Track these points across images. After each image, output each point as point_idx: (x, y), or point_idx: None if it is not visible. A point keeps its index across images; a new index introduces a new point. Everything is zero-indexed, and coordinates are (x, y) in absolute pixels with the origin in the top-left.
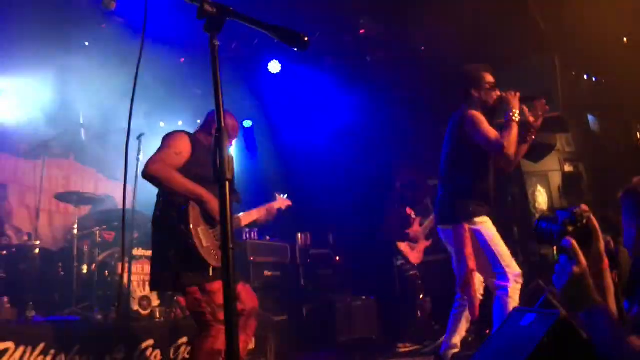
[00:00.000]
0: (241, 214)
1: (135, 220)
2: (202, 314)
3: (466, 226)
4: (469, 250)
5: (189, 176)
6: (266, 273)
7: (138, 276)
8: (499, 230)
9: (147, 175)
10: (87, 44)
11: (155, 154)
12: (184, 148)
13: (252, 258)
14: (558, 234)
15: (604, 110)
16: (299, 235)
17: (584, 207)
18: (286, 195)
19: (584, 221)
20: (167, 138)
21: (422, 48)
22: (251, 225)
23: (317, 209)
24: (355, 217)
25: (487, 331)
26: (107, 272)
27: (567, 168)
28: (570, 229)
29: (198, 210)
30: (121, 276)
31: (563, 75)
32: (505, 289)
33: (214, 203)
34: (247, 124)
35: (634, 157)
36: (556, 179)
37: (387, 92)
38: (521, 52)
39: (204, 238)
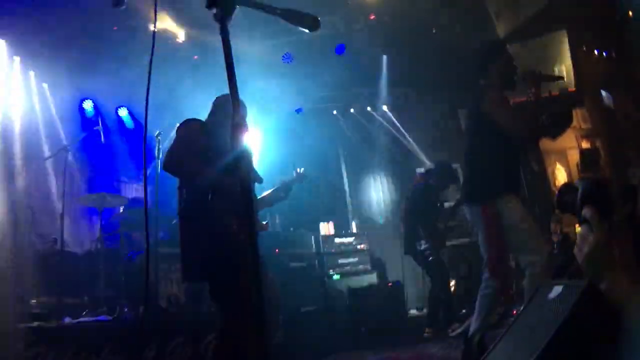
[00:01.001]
0: (262, 195)
1: (160, 219)
2: None
3: (495, 205)
4: (497, 229)
5: (205, 164)
6: (292, 265)
7: (165, 274)
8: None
9: (168, 167)
10: None
11: (173, 145)
12: (196, 136)
13: (277, 250)
14: (579, 203)
15: (616, 85)
16: (322, 224)
17: (604, 176)
18: (302, 169)
19: (605, 191)
20: (181, 128)
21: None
22: (268, 205)
23: (339, 196)
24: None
25: (514, 312)
26: (134, 271)
27: (585, 144)
28: (590, 198)
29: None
30: (148, 274)
31: (574, 51)
32: (536, 266)
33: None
34: None
35: None
36: (574, 156)
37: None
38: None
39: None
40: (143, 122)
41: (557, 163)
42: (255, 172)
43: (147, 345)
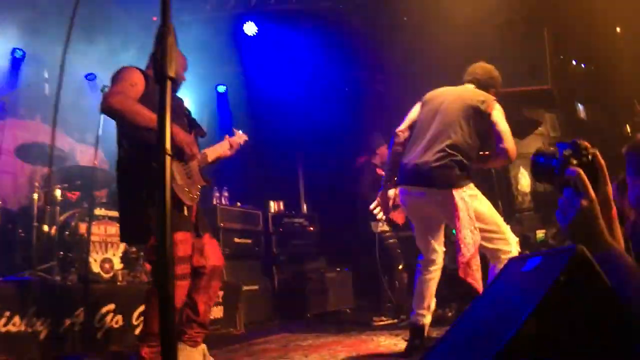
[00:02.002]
0: (207, 149)
1: (100, 180)
2: None
3: (466, 192)
4: (464, 214)
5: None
6: (236, 240)
7: (100, 237)
8: None
9: (108, 108)
10: None
11: (112, 87)
12: (139, 80)
13: (222, 224)
14: (559, 166)
15: (593, 98)
16: (272, 202)
17: (586, 143)
18: (242, 132)
19: (589, 157)
20: (120, 72)
21: (405, 18)
22: (215, 162)
23: (292, 176)
24: (331, 184)
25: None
26: (68, 232)
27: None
28: (574, 162)
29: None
30: (82, 237)
31: (552, 55)
32: (506, 255)
33: (182, 135)
34: (221, 89)
35: (620, 148)
36: None
37: (365, 56)
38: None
39: (177, 175)
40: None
41: (521, 167)
42: (199, 125)
43: (75, 310)
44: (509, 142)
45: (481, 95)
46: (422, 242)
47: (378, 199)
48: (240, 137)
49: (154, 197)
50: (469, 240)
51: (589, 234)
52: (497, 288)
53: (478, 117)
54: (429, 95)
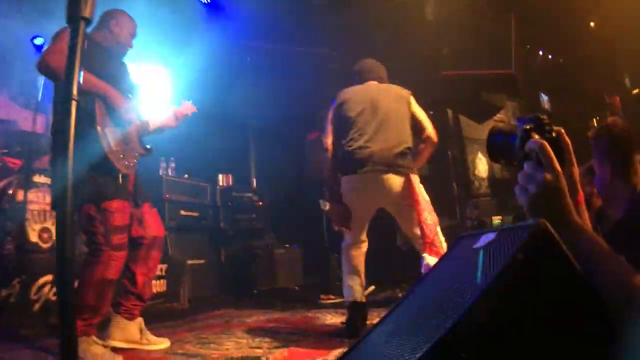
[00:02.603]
0: (150, 117)
1: (43, 146)
2: (94, 235)
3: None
4: (422, 198)
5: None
6: (182, 213)
7: (39, 206)
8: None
9: (45, 66)
10: None
11: (51, 45)
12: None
13: (167, 196)
14: (519, 142)
15: (559, 90)
16: (221, 176)
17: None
18: (191, 101)
19: (553, 134)
20: (60, 32)
21: None
22: (157, 131)
23: (243, 150)
24: (282, 160)
25: None
26: (5, 200)
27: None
28: (536, 137)
29: (104, 109)
30: (20, 205)
31: (517, 43)
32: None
33: (120, 99)
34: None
35: (586, 143)
36: None
37: (322, 32)
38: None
39: (112, 141)
40: None
41: (479, 153)
42: (141, 92)
43: (11, 281)
44: (430, 127)
45: (403, 89)
46: (360, 226)
47: (337, 214)
48: (187, 107)
49: (85, 161)
50: (430, 221)
51: (553, 211)
52: (445, 266)
53: (408, 110)
54: (348, 94)
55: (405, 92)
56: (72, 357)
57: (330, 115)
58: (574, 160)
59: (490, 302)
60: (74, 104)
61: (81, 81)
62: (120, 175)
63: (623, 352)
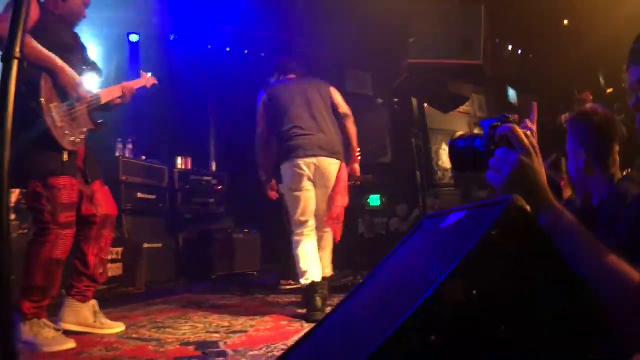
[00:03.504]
0: (101, 91)
1: None
2: (40, 213)
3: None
4: (344, 183)
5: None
6: (139, 195)
7: None
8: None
9: None
10: None
11: (2, 14)
12: (32, 10)
13: (124, 177)
14: (485, 142)
15: (527, 85)
16: (179, 158)
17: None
18: (150, 74)
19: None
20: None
21: None
22: (108, 106)
23: (202, 133)
24: (242, 143)
25: None
26: None
27: (475, 131)
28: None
29: (51, 82)
30: None
31: (487, 35)
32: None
33: (68, 74)
34: (133, 38)
35: (554, 138)
36: None
37: (290, 18)
38: None
39: (57, 116)
40: None
41: (443, 143)
42: (95, 64)
43: None
44: (343, 104)
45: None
46: (308, 208)
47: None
48: (146, 79)
49: (33, 138)
50: (339, 202)
51: (529, 190)
52: (409, 247)
53: (330, 98)
54: (271, 88)
55: (324, 83)
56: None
57: (261, 108)
58: (541, 160)
59: (461, 281)
60: (15, 62)
61: (27, 51)
62: (65, 152)
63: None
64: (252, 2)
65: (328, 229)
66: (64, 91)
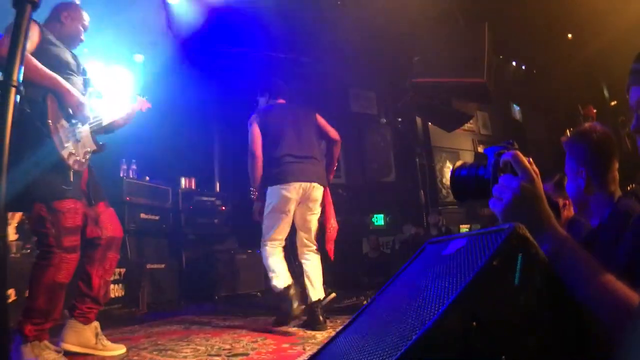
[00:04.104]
0: (103, 113)
1: None
2: (44, 237)
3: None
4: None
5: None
6: (143, 216)
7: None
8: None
9: None
10: None
11: (4, 38)
12: (34, 33)
13: (128, 198)
14: (492, 170)
15: (531, 102)
16: (183, 179)
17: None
18: (146, 98)
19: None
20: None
21: (339, 2)
22: (109, 128)
23: (207, 154)
24: (246, 164)
25: None
26: None
27: (480, 149)
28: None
29: (56, 103)
30: None
31: (490, 52)
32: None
33: (74, 95)
34: (138, 58)
35: (558, 153)
36: (467, 159)
37: (294, 36)
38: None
39: (63, 137)
40: None
41: (448, 161)
42: (94, 85)
43: None
44: (333, 130)
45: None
46: (285, 230)
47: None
48: (141, 103)
49: (35, 158)
50: (333, 225)
51: (531, 218)
52: (412, 272)
53: (317, 124)
54: (264, 111)
55: (311, 109)
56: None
57: (256, 130)
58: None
59: (463, 312)
60: (13, 90)
61: (32, 72)
62: (71, 172)
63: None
64: (253, 21)
65: (310, 253)
66: (69, 112)
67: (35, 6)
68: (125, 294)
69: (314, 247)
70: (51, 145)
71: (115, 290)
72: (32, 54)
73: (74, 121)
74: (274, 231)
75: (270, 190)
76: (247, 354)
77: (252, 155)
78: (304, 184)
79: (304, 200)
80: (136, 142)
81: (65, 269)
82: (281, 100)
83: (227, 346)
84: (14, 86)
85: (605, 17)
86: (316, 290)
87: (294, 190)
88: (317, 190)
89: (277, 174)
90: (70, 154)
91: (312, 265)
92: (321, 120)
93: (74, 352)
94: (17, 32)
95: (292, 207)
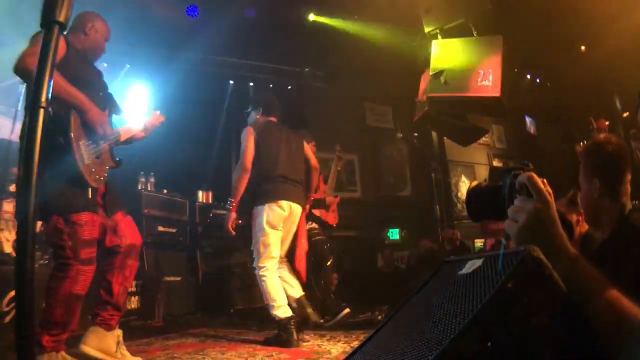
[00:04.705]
0: (120, 128)
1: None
2: (61, 249)
3: None
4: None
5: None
6: (160, 228)
7: (14, 215)
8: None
9: (22, 68)
10: None
11: (29, 47)
12: (61, 46)
13: (145, 211)
14: (508, 190)
15: (545, 114)
16: (200, 192)
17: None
18: (159, 112)
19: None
20: (37, 34)
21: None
22: (127, 141)
23: (223, 167)
24: None
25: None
26: None
27: (495, 163)
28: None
29: (79, 120)
30: None
31: (505, 66)
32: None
33: (96, 112)
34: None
35: (572, 166)
36: (482, 173)
37: (307, 50)
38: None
39: (85, 154)
40: None
41: (463, 175)
42: (115, 101)
43: None
44: (315, 158)
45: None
46: (279, 245)
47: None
48: (156, 117)
49: (56, 173)
50: (305, 245)
51: (544, 240)
52: (429, 291)
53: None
54: (262, 126)
55: (301, 136)
56: None
57: (251, 144)
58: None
59: (478, 333)
60: (41, 111)
61: (56, 88)
62: (90, 189)
63: None
64: (268, 36)
65: (282, 264)
66: (91, 129)
67: (63, 27)
68: (142, 306)
69: (285, 260)
70: (72, 161)
71: (132, 302)
72: (57, 66)
73: (95, 138)
74: (270, 249)
75: (263, 208)
76: None
77: (244, 168)
78: (291, 203)
79: (289, 219)
80: (154, 156)
81: (82, 281)
82: (273, 118)
83: None
84: (43, 107)
85: (618, 28)
86: (295, 289)
87: (286, 207)
88: (299, 211)
89: (272, 191)
90: (91, 171)
91: (286, 272)
92: (307, 148)
93: (94, 357)
94: (45, 52)
95: (282, 223)
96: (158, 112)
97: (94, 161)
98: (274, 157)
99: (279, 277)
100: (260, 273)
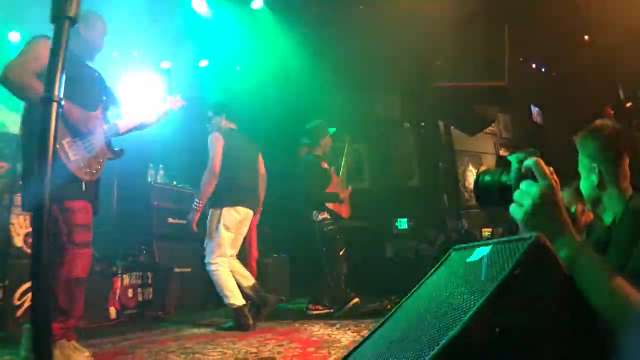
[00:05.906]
0: (120, 120)
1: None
2: (57, 236)
3: None
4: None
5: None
6: (170, 220)
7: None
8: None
9: (3, 80)
10: None
11: (15, 58)
12: (45, 53)
13: (155, 203)
14: (515, 176)
15: (551, 104)
16: None
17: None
18: (179, 96)
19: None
20: (28, 43)
21: (361, 7)
22: (140, 127)
23: None
24: (272, 169)
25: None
26: None
27: (502, 152)
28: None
29: (61, 122)
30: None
31: (511, 55)
32: None
33: (75, 112)
34: (165, 65)
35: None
36: (489, 162)
37: (319, 46)
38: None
39: (70, 151)
40: None
41: (470, 164)
42: (113, 95)
43: None
44: (263, 168)
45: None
46: (230, 247)
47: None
48: (173, 102)
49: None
50: (255, 255)
51: (549, 224)
52: (438, 278)
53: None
54: (227, 134)
55: (256, 145)
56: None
57: (219, 148)
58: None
59: (486, 320)
60: (54, 105)
61: (35, 95)
62: (83, 183)
63: None
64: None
65: (232, 258)
66: (76, 127)
67: (73, 22)
68: (153, 297)
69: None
70: (58, 162)
71: (144, 294)
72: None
73: (81, 135)
74: (224, 248)
75: (225, 210)
76: (273, 358)
77: (213, 173)
78: (247, 209)
79: (242, 223)
80: (163, 147)
81: (80, 264)
82: (233, 125)
83: (254, 350)
84: (55, 101)
85: (622, 18)
86: (247, 278)
87: (243, 212)
88: (251, 216)
89: (233, 196)
90: (80, 166)
91: (237, 264)
92: (260, 157)
93: None
94: (56, 48)
95: (235, 227)
96: (178, 96)
97: (83, 156)
98: (235, 164)
99: (230, 270)
100: (212, 268)
